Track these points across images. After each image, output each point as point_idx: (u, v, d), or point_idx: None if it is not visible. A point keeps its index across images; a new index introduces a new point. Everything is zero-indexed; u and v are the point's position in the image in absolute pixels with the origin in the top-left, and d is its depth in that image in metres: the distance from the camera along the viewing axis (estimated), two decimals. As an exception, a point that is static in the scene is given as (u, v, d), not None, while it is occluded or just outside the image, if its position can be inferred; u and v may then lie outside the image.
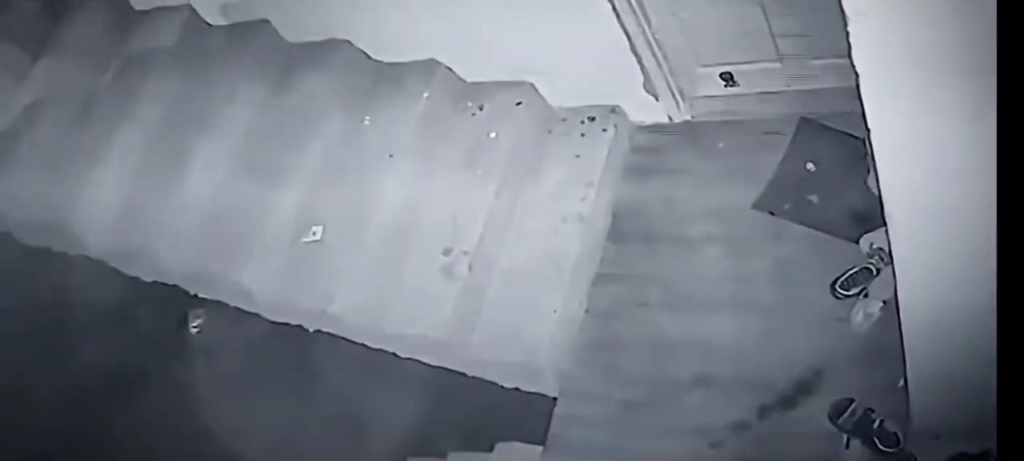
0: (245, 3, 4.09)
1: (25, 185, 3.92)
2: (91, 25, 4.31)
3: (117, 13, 4.33)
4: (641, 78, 3.56)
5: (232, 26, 4.19)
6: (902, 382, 2.62)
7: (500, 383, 3.41)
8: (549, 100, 3.80)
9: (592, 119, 3.72)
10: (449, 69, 3.87)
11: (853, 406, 2.94)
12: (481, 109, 3.79)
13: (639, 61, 3.49)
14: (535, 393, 3.36)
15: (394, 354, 3.53)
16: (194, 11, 4.23)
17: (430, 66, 3.87)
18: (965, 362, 2.20)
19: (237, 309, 3.73)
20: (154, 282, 3.82)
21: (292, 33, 4.11)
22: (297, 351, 3.62)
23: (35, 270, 3.87)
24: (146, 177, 3.86)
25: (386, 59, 3.98)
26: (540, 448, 3.25)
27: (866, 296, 3.12)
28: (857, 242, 3.20)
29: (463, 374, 3.45)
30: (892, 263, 2.19)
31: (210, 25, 4.25)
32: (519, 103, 3.75)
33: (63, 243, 3.89)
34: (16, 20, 4.33)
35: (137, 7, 4.34)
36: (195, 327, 3.77)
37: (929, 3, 1.53)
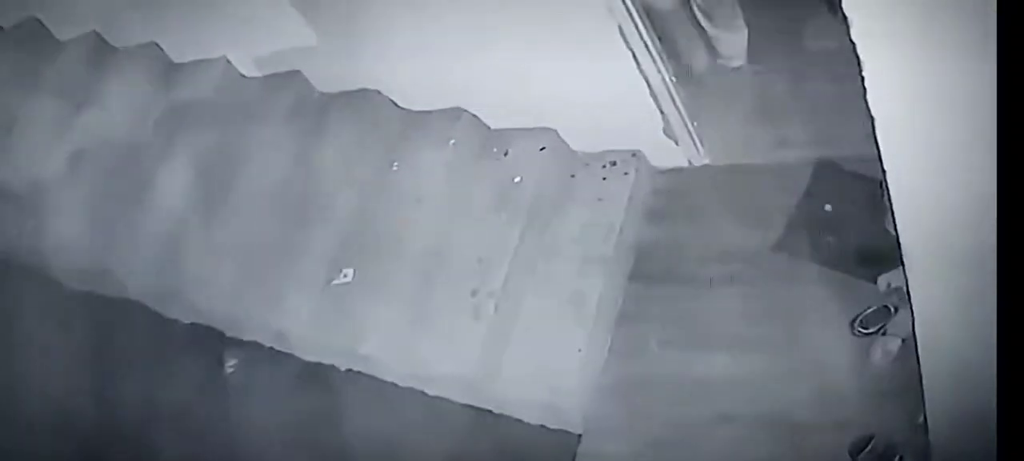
0: (278, 55, 4.22)
1: (69, 231, 4.02)
2: (132, 77, 4.42)
3: (157, 65, 4.46)
4: (661, 123, 3.64)
5: (266, 77, 4.33)
6: (922, 418, 2.63)
7: (526, 420, 3.45)
8: (572, 145, 3.87)
9: (614, 163, 3.79)
10: (474, 116, 3.97)
11: (873, 442, 2.94)
12: (506, 154, 3.87)
13: (659, 107, 3.57)
14: (560, 430, 3.40)
15: (423, 392, 3.58)
16: (230, 63, 4.36)
17: (456, 114, 3.96)
18: (985, 398, 2.22)
19: (271, 349, 3.80)
20: (191, 324, 3.90)
21: (323, 83, 4.23)
22: (329, 390, 3.68)
23: (78, 313, 3.94)
24: (184, 223, 3.95)
25: (414, 107, 4.09)
26: (565, 485, 3.27)
27: (885, 334, 3.13)
28: (875, 282, 3.22)
29: (490, 412, 3.50)
30: (910, 302, 2.22)
31: (245, 76, 4.39)
32: (543, 148, 3.83)
33: (105, 287, 3.97)
34: (60, 73, 4.46)
35: (176, 59, 4.48)
36: (230, 367, 3.83)
37: (945, 46, 1.55)
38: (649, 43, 3.41)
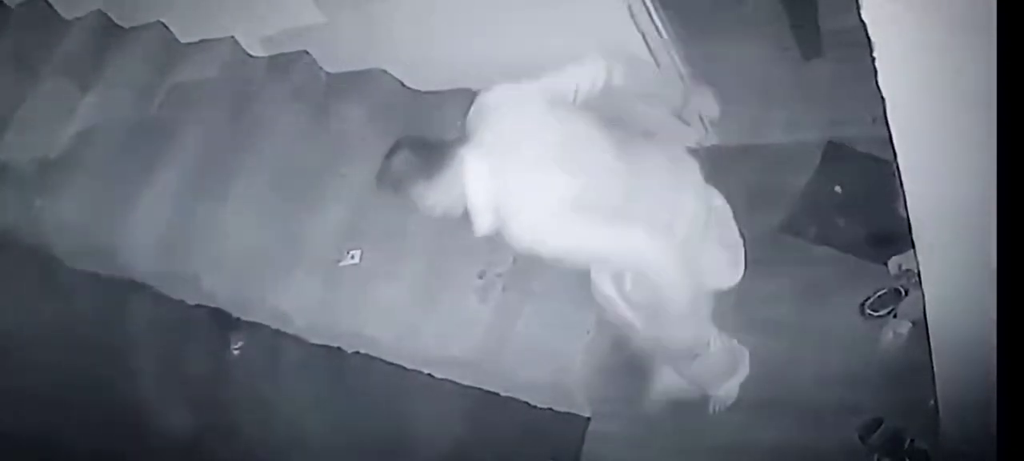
0: (285, 35, 4.19)
1: (74, 211, 4.01)
2: (138, 57, 4.40)
3: (163, 45, 4.45)
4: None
5: (272, 57, 4.31)
6: (932, 401, 2.62)
7: (534, 403, 3.45)
8: (581, 126, 3.84)
9: (623, 143, 3.76)
10: (483, 96, 3.95)
11: (883, 426, 2.94)
12: (514, 135, 3.84)
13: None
14: (568, 412, 3.40)
15: (430, 375, 3.58)
16: (236, 43, 4.34)
17: (464, 94, 3.92)
18: (996, 382, 2.21)
19: (277, 331, 3.79)
20: (197, 305, 3.89)
21: (330, 63, 4.22)
22: (336, 372, 3.68)
23: (83, 294, 3.94)
24: (190, 203, 3.94)
25: (421, 88, 4.07)
26: (574, 466, 3.28)
27: (895, 316, 3.12)
28: (885, 264, 3.19)
29: (497, 394, 3.49)
30: (921, 284, 2.21)
31: (252, 56, 4.36)
32: (551, 129, 3.80)
33: (110, 267, 3.96)
34: (67, 53, 4.45)
35: (182, 39, 4.46)
36: (236, 348, 3.83)
37: (956, 26, 1.54)
38: (659, 23, 3.37)
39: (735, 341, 3.11)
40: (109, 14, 4.53)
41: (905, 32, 1.58)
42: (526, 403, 3.45)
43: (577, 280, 3.46)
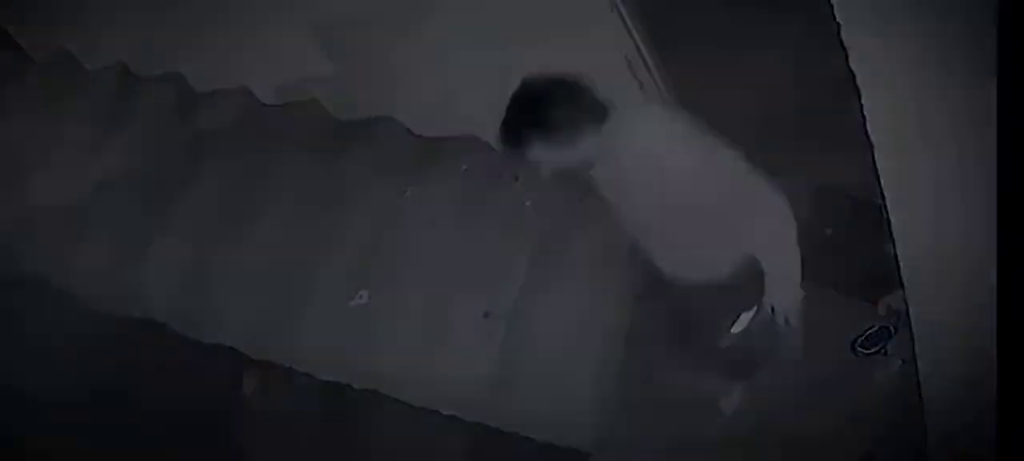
0: (296, 84, 4.32)
1: (94, 255, 4.09)
2: (157, 105, 4.53)
3: (181, 94, 4.56)
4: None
5: (285, 105, 4.42)
6: (923, 438, 2.70)
7: (536, 439, 3.50)
8: (582, 170, 3.95)
9: (622, 188, 3.86)
10: (486, 142, 4.00)
11: (875, 461, 3.03)
12: (517, 179, 3.95)
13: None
14: (571, 448, 3.45)
15: (436, 411, 3.63)
16: (250, 92, 4.46)
17: (468, 140, 4.05)
18: (985, 417, 2.27)
19: (289, 369, 3.86)
20: (213, 344, 3.97)
21: (340, 111, 4.32)
22: (346, 408, 3.74)
23: (101, 334, 4.01)
24: (206, 246, 4.04)
25: (427, 134, 4.19)
26: (576, 500, 3.33)
27: (886, 354, 3.21)
28: (875, 304, 3.30)
29: (501, 430, 3.55)
30: (910, 323, 2.29)
31: (265, 104, 4.47)
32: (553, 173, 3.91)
33: (128, 309, 4.03)
34: (89, 101, 4.56)
35: (198, 89, 4.58)
36: (249, 387, 3.91)
37: (942, 73, 1.65)
38: (657, 78, 3.51)
39: None
40: (129, 64, 4.65)
41: (893, 79, 1.69)
42: (530, 439, 3.51)
43: (580, 318, 3.59)
